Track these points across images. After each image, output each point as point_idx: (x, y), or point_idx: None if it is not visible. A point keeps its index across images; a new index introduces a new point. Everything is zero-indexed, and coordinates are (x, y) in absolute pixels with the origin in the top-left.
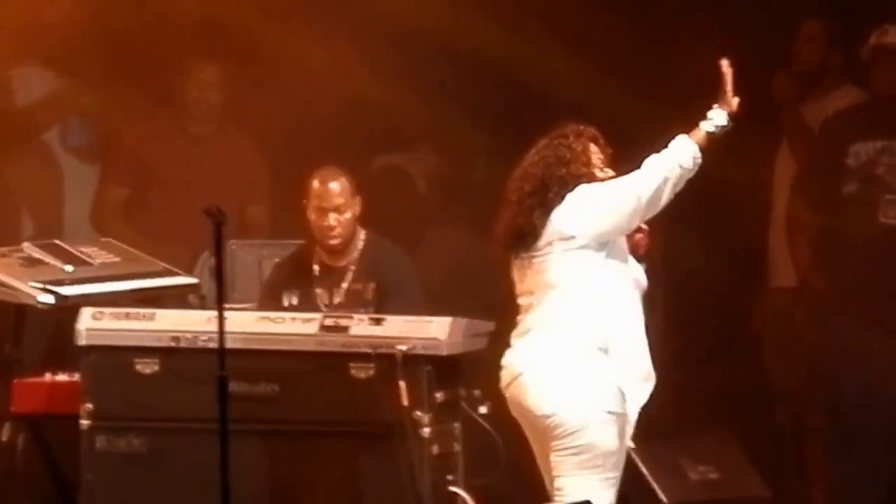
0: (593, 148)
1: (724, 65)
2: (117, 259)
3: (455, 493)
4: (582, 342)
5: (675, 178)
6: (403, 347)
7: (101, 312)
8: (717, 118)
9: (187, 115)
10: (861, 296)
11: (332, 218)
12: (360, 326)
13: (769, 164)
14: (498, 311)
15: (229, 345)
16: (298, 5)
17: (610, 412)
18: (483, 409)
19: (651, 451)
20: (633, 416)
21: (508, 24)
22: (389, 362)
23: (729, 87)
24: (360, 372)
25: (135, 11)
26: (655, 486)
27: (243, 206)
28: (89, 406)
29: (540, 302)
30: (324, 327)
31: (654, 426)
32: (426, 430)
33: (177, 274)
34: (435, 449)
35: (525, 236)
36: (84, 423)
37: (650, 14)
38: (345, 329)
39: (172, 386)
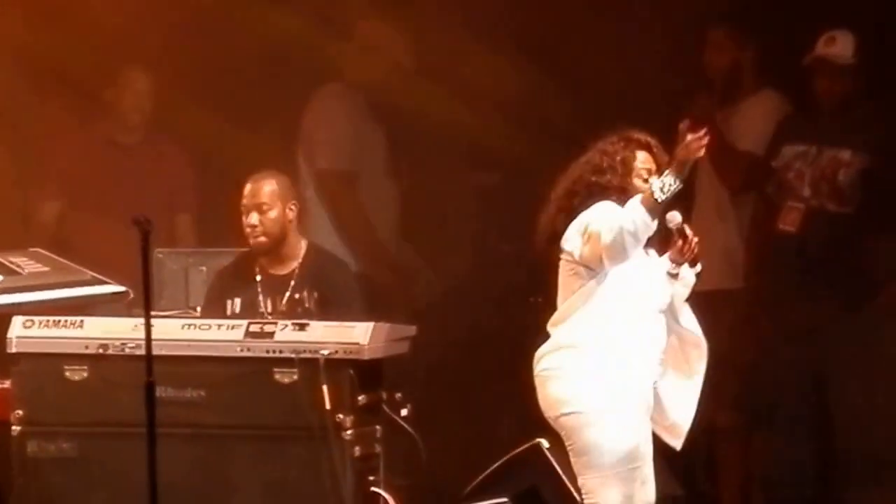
0: (642, 157)
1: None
2: (46, 269)
3: (376, 494)
4: (575, 347)
5: (622, 234)
6: (326, 352)
7: (31, 321)
8: (665, 183)
9: (117, 124)
10: (771, 298)
11: (255, 217)
12: (284, 332)
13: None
14: (421, 316)
15: (156, 351)
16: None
17: (599, 409)
18: (404, 412)
19: (565, 449)
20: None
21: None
22: (312, 367)
23: (686, 153)
24: (284, 377)
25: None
26: (570, 484)
27: (171, 214)
28: (20, 412)
29: (558, 305)
30: (249, 333)
31: None
32: (348, 433)
33: (105, 283)
34: (357, 451)
35: (546, 236)
36: (15, 428)
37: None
38: (269, 335)
39: (101, 392)
